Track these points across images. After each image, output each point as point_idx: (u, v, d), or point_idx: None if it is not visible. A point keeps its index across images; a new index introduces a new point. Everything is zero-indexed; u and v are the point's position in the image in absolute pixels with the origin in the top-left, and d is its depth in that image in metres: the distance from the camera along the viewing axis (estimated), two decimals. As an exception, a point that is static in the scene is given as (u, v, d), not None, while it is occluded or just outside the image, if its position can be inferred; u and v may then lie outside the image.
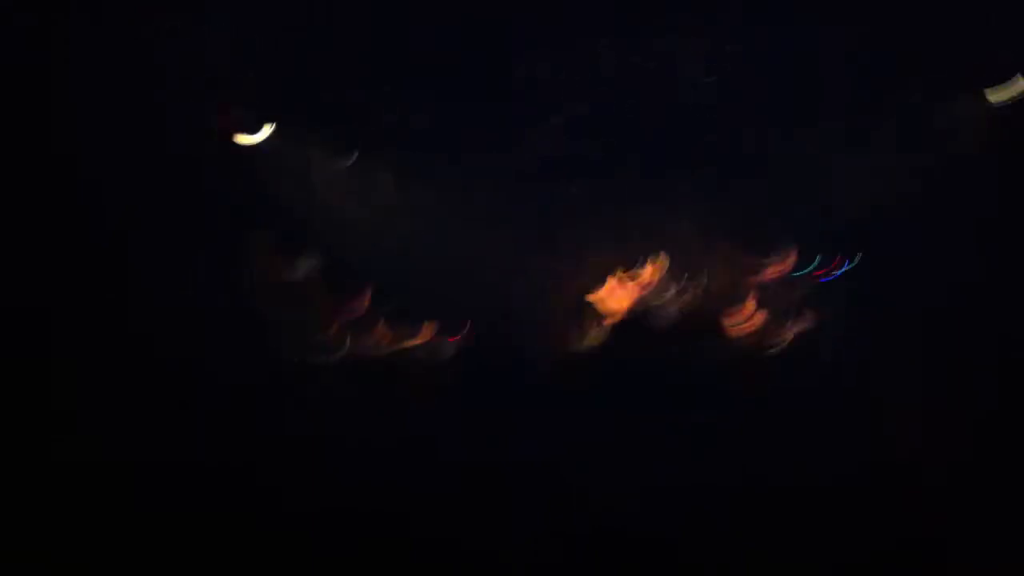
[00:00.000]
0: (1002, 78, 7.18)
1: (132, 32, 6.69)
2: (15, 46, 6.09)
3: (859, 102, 7.69)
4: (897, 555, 2.54)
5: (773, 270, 8.27)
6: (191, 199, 7.42)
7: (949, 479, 3.19)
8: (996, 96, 7.19)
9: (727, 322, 8.26)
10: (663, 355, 8.07)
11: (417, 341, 7.83)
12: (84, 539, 2.60)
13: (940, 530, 2.48)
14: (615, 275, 8.59)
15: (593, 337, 8.35)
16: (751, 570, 2.47)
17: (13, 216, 6.10)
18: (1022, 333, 5.38)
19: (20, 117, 6.24)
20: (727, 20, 7.48)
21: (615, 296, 8.50)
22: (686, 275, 8.84)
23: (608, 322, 8.32)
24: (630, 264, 8.70)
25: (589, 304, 8.53)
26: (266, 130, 8.14)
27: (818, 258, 8.25)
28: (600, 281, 8.54)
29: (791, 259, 8.25)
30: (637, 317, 8.14)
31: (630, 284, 8.56)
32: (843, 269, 7.73)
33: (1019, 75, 7.12)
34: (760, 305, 8.25)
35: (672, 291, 8.57)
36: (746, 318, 8.25)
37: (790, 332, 7.90)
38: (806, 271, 8.32)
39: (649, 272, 8.52)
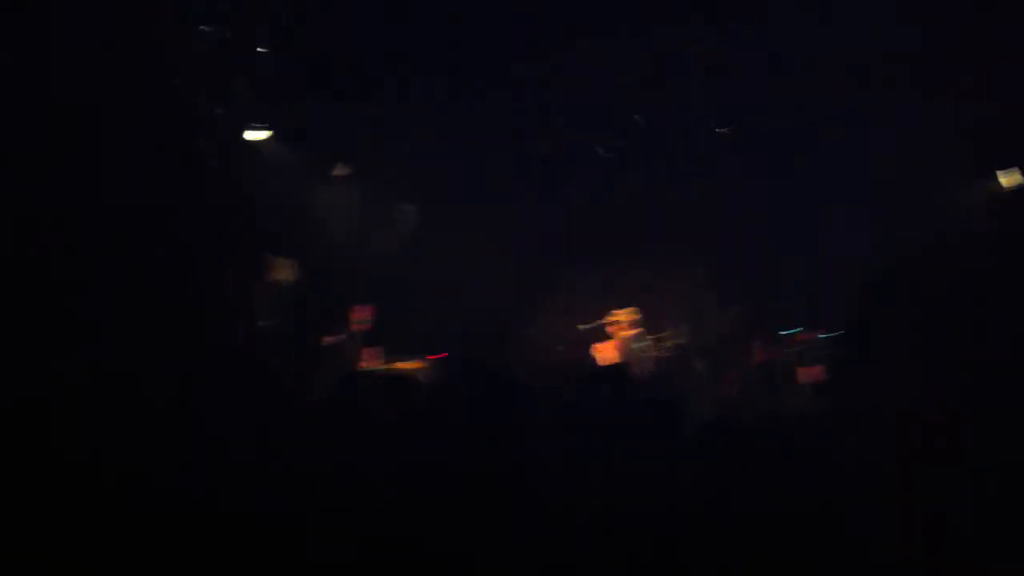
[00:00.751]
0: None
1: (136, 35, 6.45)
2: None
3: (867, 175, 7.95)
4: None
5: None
6: (193, 203, 7.18)
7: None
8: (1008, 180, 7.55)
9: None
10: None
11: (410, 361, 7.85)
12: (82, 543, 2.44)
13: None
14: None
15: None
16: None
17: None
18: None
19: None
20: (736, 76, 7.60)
21: (603, 346, 8.59)
22: (669, 328, 9.08)
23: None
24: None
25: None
26: (264, 134, 8.00)
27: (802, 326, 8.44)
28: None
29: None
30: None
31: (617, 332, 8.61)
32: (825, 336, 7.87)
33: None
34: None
35: (648, 342, 8.62)
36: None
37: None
38: (791, 332, 8.59)
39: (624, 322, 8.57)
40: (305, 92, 7.87)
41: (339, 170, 8.61)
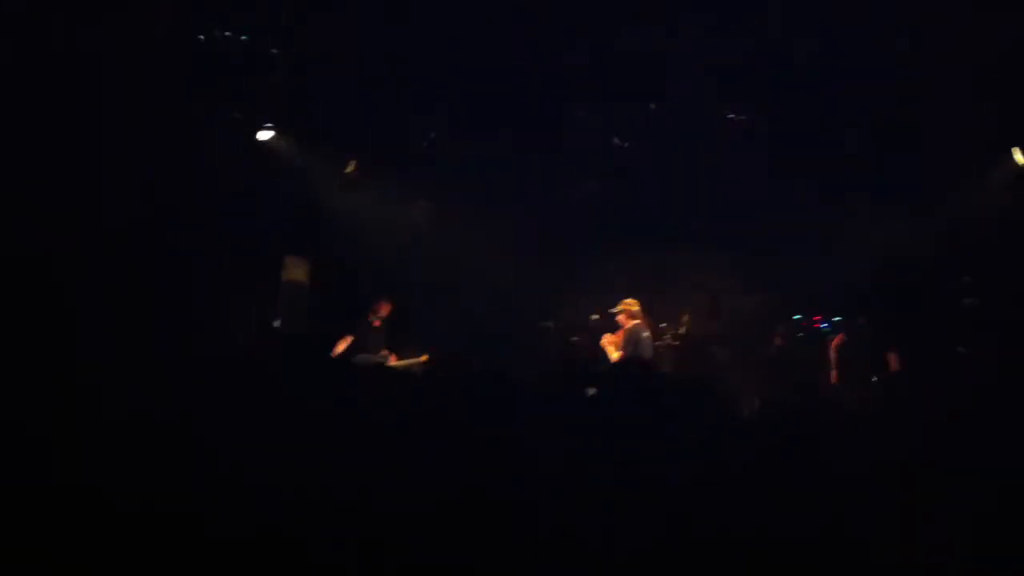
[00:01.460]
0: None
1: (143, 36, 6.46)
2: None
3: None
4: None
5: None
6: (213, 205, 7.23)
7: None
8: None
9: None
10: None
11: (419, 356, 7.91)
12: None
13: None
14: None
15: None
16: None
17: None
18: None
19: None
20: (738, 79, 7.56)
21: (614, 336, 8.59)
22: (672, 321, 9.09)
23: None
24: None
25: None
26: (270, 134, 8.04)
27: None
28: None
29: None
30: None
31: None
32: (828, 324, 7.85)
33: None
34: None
35: (646, 334, 8.60)
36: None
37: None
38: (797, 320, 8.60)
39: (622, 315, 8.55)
40: (309, 90, 7.89)
41: (349, 167, 8.62)
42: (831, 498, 2.74)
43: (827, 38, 6.70)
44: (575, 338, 9.07)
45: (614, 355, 8.40)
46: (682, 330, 9.16)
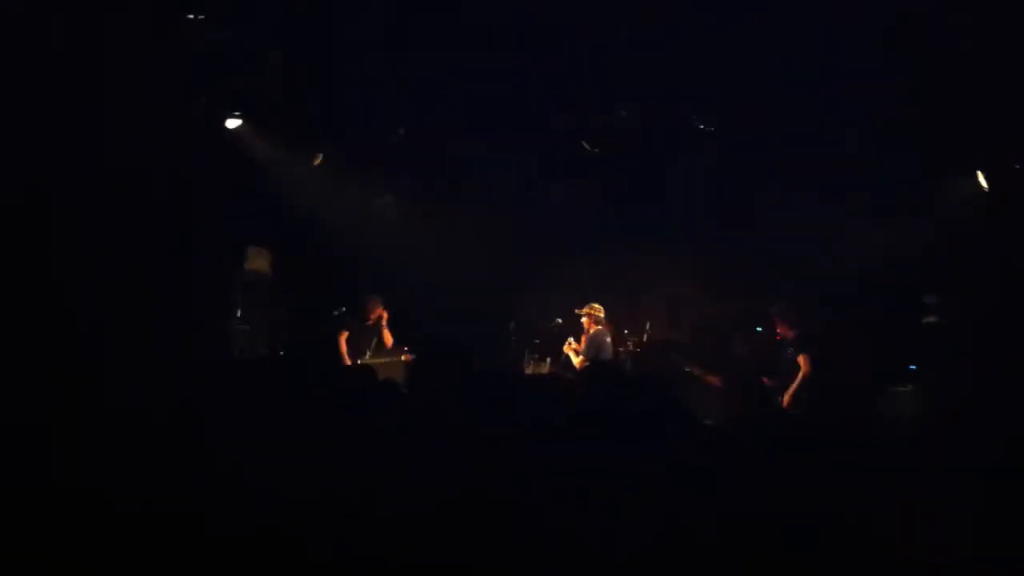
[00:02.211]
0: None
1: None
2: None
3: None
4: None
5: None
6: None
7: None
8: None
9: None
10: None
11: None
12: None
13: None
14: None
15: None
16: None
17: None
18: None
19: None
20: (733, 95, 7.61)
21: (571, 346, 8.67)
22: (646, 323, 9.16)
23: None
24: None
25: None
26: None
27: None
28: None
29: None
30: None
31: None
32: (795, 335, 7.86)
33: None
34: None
35: (608, 339, 8.65)
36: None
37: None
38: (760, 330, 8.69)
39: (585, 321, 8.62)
40: (281, 78, 7.76)
41: (316, 160, 8.50)
42: (831, 498, 2.76)
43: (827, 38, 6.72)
44: (559, 320, 9.08)
45: (576, 360, 8.49)
46: (644, 336, 9.26)
